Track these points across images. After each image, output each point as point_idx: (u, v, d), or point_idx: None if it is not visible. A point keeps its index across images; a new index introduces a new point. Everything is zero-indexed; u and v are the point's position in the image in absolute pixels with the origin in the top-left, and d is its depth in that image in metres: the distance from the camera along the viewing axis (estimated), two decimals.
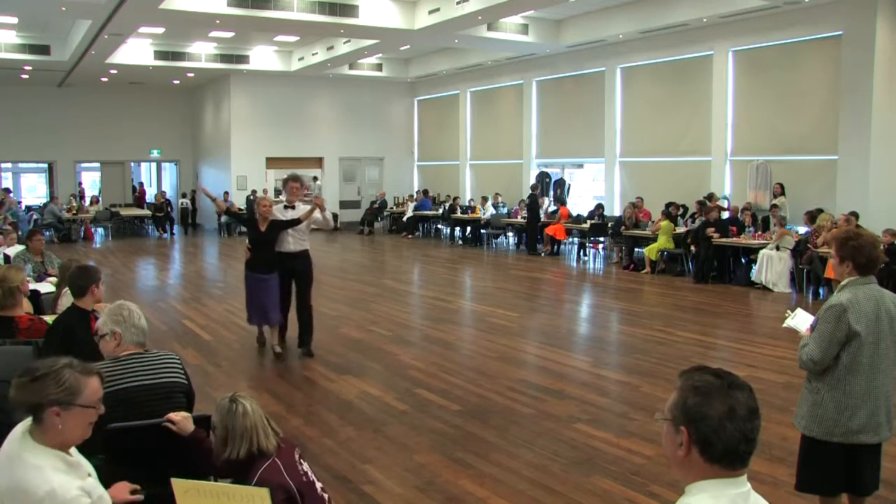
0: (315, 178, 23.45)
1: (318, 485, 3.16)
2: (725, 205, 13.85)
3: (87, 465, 2.45)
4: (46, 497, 2.14)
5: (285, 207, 7.67)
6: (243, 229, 20.25)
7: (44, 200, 22.81)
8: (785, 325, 3.84)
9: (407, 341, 8.34)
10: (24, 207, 22.59)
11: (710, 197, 13.89)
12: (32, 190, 26.50)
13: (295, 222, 7.47)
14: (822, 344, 3.36)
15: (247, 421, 2.99)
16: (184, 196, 24.30)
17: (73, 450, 2.40)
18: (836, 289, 3.56)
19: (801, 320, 3.75)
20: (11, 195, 21.10)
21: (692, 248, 12.81)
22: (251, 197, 21.16)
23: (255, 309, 7.62)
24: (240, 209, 19.51)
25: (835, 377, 3.39)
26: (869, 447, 3.45)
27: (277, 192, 21.50)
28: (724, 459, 1.63)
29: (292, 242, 7.54)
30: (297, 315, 7.74)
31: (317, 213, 7.55)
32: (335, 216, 23.09)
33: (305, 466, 3.12)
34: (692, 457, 1.64)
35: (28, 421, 2.30)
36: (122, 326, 3.38)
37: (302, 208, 7.64)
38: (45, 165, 24.62)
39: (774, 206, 12.70)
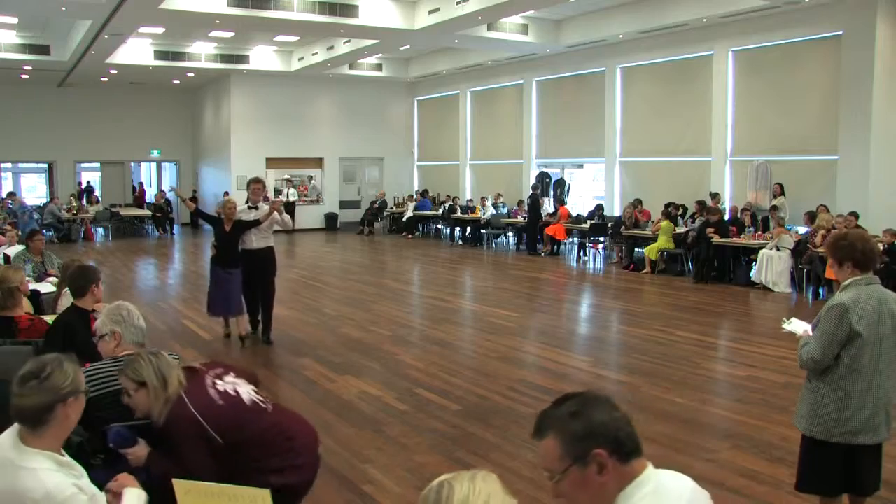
0: (310, 178, 23.48)
1: (252, 397, 3.05)
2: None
3: (79, 467, 2.45)
4: (43, 500, 2.13)
5: (249, 208, 8.21)
6: None
7: (44, 200, 22.79)
8: (783, 328, 3.86)
9: (407, 341, 8.34)
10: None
11: (715, 197, 13.85)
12: (32, 190, 26.49)
13: (255, 223, 7.99)
14: (823, 343, 3.35)
15: (166, 359, 2.98)
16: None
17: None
18: (837, 289, 3.55)
19: (797, 326, 3.77)
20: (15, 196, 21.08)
21: (688, 242, 12.81)
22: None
23: (218, 300, 8.15)
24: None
25: (835, 377, 3.39)
26: (869, 447, 3.44)
27: (277, 192, 21.52)
28: (636, 449, 1.65)
29: (255, 240, 8.09)
30: (260, 307, 8.27)
31: (276, 215, 8.05)
32: (335, 217, 23.27)
33: (228, 384, 3.03)
34: (612, 472, 1.62)
35: (14, 428, 2.27)
36: (121, 326, 3.37)
37: (264, 209, 8.14)
38: (45, 165, 24.62)
39: (774, 206, 12.70)
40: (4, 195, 20.88)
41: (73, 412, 2.28)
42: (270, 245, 8.25)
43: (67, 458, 2.31)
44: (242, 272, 8.06)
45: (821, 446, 3.44)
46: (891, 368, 3.43)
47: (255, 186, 8.23)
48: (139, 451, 2.89)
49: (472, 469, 1.52)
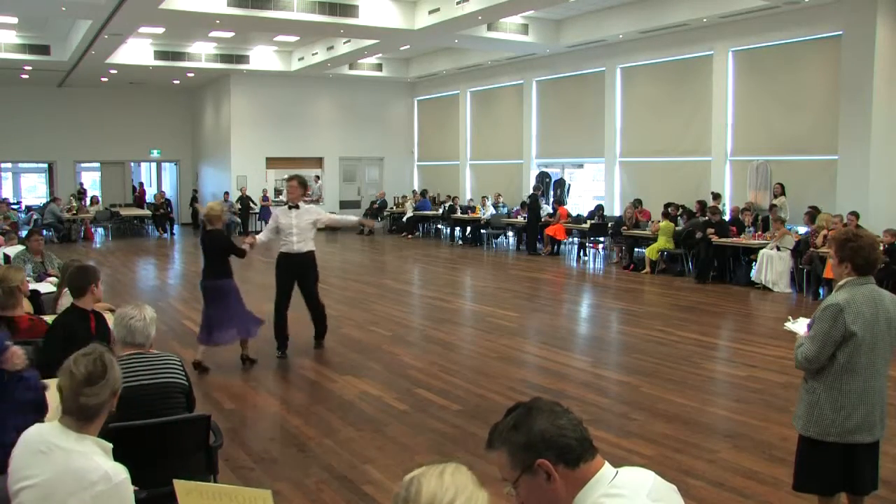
0: (317, 178, 23.48)
1: None
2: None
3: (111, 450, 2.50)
4: (101, 481, 2.17)
5: (290, 208, 7.51)
6: (243, 228, 20.45)
7: (44, 200, 22.77)
8: (785, 327, 3.87)
9: (407, 341, 8.34)
10: (24, 207, 22.58)
11: (717, 197, 13.83)
12: (32, 190, 26.47)
13: (241, 253, 7.18)
14: (818, 343, 3.36)
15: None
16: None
17: None
18: (834, 288, 3.56)
19: (801, 325, 3.78)
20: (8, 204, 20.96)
21: (685, 237, 12.87)
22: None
23: (230, 324, 7.24)
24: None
25: (831, 377, 3.40)
26: (866, 446, 3.45)
27: (277, 192, 21.55)
28: (586, 452, 1.64)
29: (296, 242, 7.43)
30: (310, 314, 7.85)
31: (337, 216, 7.72)
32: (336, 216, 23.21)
33: None
34: (562, 478, 1.62)
35: (54, 422, 2.31)
36: (115, 325, 3.45)
37: (305, 208, 7.52)
38: (45, 165, 24.61)
39: (774, 206, 12.70)
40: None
41: (114, 403, 2.36)
42: (312, 249, 7.52)
43: (106, 443, 2.37)
44: (277, 279, 7.44)
45: (818, 446, 3.45)
46: (886, 368, 3.44)
47: (290, 184, 7.50)
48: (16, 351, 2.76)
49: (472, 470, 1.51)
